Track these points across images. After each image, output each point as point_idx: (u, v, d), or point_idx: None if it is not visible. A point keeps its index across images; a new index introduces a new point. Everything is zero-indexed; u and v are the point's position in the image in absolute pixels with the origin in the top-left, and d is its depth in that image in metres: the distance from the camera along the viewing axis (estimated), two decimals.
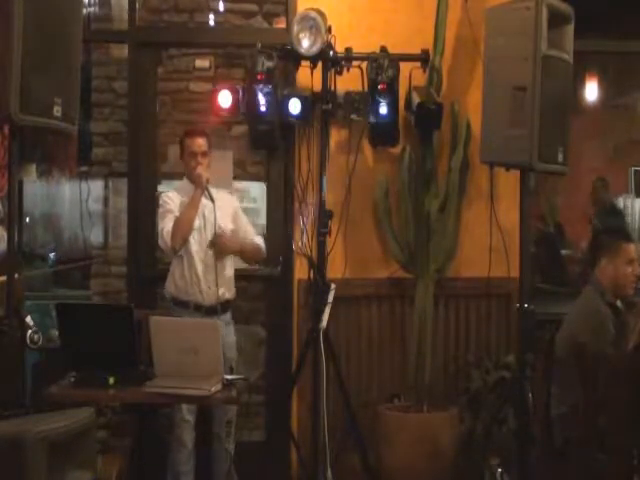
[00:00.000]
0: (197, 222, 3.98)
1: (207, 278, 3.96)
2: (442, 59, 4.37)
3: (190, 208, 3.94)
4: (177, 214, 3.97)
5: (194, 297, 3.96)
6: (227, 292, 4.04)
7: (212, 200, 3.95)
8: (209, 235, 3.97)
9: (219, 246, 3.96)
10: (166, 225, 3.94)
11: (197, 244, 3.98)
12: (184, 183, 4.11)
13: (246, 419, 5.03)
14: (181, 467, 3.98)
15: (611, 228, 4.01)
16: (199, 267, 3.96)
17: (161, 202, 4.08)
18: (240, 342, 4.27)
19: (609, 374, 3.18)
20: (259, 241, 4.18)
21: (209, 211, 3.96)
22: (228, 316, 4.08)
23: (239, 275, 4.22)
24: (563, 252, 6.37)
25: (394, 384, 4.51)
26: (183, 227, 3.92)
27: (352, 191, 4.47)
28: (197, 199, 3.95)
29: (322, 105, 4.26)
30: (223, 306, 4.00)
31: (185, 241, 3.94)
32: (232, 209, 4.17)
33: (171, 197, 4.06)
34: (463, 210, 4.52)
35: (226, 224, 4.06)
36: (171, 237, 3.90)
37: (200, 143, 4.05)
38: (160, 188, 5.12)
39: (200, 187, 3.95)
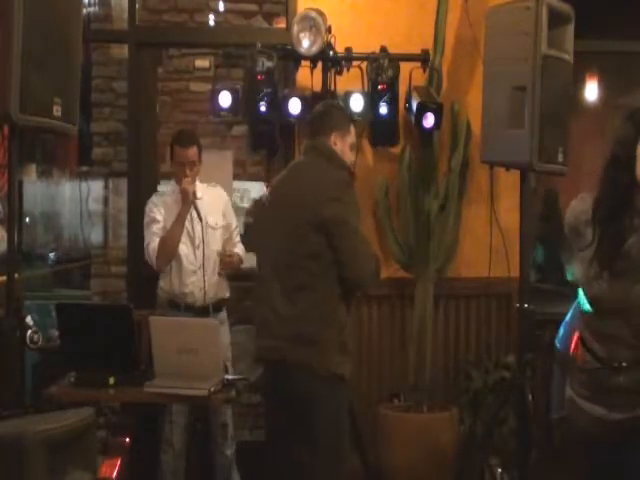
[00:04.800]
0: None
1: (195, 280, 3.94)
2: (442, 59, 4.38)
3: (176, 227, 3.89)
4: (161, 222, 3.92)
5: (184, 299, 3.94)
6: (219, 291, 4.03)
7: (199, 215, 3.93)
8: (197, 236, 3.94)
9: (225, 266, 3.99)
10: (152, 241, 3.90)
11: (185, 247, 3.95)
12: (173, 185, 4.05)
13: (246, 419, 5.04)
14: (168, 467, 3.98)
15: None
16: (188, 270, 3.94)
17: (147, 209, 4.00)
18: (244, 342, 4.25)
19: None
20: (241, 252, 4.15)
21: (196, 214, 3.94)
22: (222, 315, 4.06)
23: (240, 275, 4.22)
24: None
25: (394, 384, 4.51)
26: (169, 248, 3.89)
27: None
28: (183, 217, 3.91)
29: None
30: (215, 305, 4.00)
31: (170, 261, 3.91)
32: (222, 204, 4.12)
33: (156, 203, 3.99)
34: (463, 210, 4.52)
35: (217, 221, 4.04)
36: (157, 257, 3.88)
37: (189, 154, 3.95)
38: (160, 188, 5.12)
39: (187, 204, 3.90)
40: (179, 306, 3.95)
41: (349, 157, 3.20)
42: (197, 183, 4.01)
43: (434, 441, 4.15)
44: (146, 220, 3.99)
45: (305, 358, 2.96)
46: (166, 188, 4.15)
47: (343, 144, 3.16)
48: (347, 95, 4.26)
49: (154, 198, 4.05)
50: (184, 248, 3.94)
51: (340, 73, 4.27)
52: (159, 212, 3.96)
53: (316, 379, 2.96)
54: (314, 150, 3.15)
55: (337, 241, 2.96)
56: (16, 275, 3.07)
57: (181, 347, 3.16)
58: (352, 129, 3.25)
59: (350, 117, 3.39)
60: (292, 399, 2.99)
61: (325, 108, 3.30)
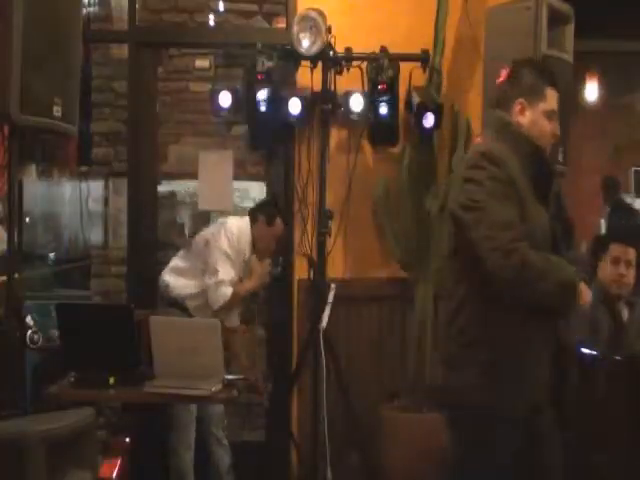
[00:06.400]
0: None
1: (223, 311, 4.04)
2: (442, 59, 4.37)
3: (242, 292, 4.04)
4: (236, 267, 4.01)
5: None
6: None
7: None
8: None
9: None
10: (227, 286, 3.95)
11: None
12: (246, 234, 4.11)
13: (246, 419, 5.04)
14: (187, 468, 3.98)
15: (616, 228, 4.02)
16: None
17: (229, 238, 4.02)
18: None
19: (608, 374, 3.18)
20: None
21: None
22: None
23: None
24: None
25: (394, 384, 4.50)
26: (233, 305, 4.03)
27: (352, 191, 4.47)
28: (250, 292, 4.10)
29: (322, 105, 4.26)
30: None
31: None
32: None
33: (236, 243, 4.05)
34: None
35: None
36: (222, 305, 3.94)
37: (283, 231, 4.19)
38: (160, 188, 5.13)
39: (261, 283, 4.10)
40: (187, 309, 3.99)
41: (543, 129, 2.60)
42: (234, 220, 4.15)
43: (434, 441, 4.14)
44: (225, 249, 3.99)
45: None
46: (238, 224, 4.13)
47: (534, 112, 2.59)
48: (347, 95, 4.27)
49: (235, 235, 4.06)
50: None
51: (340, 73, 4.27)
52: (234, 251, 4.03)
53: None
54: (485, 128, 2.69)
55: (467, 231, 2.45)
56: (16, 275, 3.07)
57: (181, 347, 3.17)
58: (550, 92, 2.62)
59: (549, 77, 2.65)
60: None
61: (515, 69, 2.66)
